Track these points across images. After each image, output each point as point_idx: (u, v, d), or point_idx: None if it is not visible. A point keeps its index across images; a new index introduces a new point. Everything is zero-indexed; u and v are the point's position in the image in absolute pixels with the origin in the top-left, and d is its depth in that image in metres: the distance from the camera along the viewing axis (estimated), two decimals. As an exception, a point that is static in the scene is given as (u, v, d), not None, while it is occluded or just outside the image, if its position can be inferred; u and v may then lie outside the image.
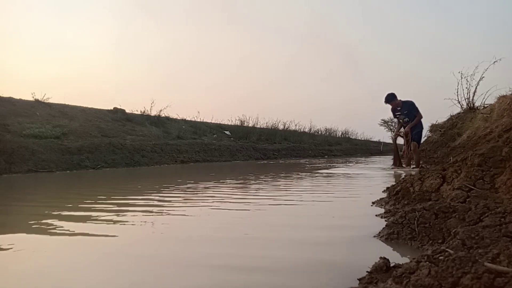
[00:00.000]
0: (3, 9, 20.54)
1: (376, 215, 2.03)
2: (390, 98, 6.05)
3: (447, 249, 1.02)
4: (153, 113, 13.01)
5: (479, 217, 1.36)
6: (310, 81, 45.69)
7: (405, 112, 6.03)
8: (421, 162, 6.13)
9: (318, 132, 22.65)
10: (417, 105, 6.04)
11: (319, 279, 1.11)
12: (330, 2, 51.24)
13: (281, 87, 42.05)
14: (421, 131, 6.14)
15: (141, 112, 12.81)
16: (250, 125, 16.89)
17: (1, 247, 1.56)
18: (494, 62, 7.76)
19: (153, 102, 14.98)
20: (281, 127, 18.61)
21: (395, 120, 6.56)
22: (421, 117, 6.00)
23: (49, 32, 26.24)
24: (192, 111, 31.37)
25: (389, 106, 6.21)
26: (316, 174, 5.50)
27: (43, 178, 5.34)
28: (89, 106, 11.65)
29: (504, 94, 5.90)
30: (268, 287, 1.07)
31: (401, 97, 6.09)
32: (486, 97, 7.76)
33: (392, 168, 6.39)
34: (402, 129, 6.24)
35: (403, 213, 1.63)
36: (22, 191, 3.93)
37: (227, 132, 15.10)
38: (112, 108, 12.05)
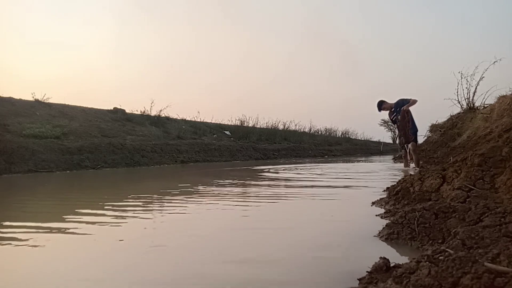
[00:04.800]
0: (3, 9, 20.54)
1: (376, 215, 2.03)
2: (380, 105, 6.25)
3: (447, 249, 1.02)
4: (153, 113, 13.02)
5: (479, 217, 1.36)
6: (310, 81, 45.62)
7: (398, 110, 6.09)
8: (421, 162, 6.13)
9: (318, 132, 22.66)
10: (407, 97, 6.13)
11: (319, 279, 1.11)
12: (329, 1, 51.23)
13: (281, 86, 42.01)
14: (416, 132, 6.15)
15: (141, 112, 12.82)
16: (250, 125, 16.89)
17: (2, 244, 1.56)
18: (494, 62, 7.74)
19: (153, 102, 15.00)
20: (281, 127, 18.63)
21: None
22: (415, 100, 5.96)
23: (49, 32, 26.21)
24: (192, 111, 31.39)
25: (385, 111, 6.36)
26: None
27: (43, 178, 5.34)
28: (89, 106, 11.67)
29: (504, 94, 5.90)
30: (268, 286, 1.07)
31: (398, 96, 6.19)
32: (486, 97, 7.75)
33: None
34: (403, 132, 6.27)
35: (403, 213, 1.63)
36: (22, 191, 3.93)
37: (227, 132, 15.10)
38: (112, 108, 12.05)
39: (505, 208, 1.34)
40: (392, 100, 6.23)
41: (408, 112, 5.92)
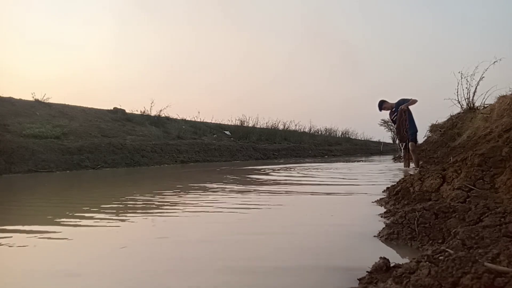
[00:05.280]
0: (3, 9, 20.53)
1: (376, 215, 2.03)
2: (381, 104, 6.29)
3: (447, 249, 1.02)
4: (153, 113, 13.05)
5: (479, 217, 1.36)
6: (310, 81, 45.70)
7: (398, 109, 6.09)
8: (420, 162, 6.13)
9: (318, 132, 22.68)
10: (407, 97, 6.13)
11: (319, 279, 1.11)
12: (329, 1, 51.22)
13: (281, 86, 42.08)
14: (416, 132, 6.14)
15: (141, 112, 12.84)
16: (250, 125, 16.91)
17: (2, 244, 1.56)
18: (494, 62, 7.74)
19: (153, 102, 15.06)
20: (281, 127, 18.66)
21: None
22: (415, 100, 5.99)
23: (49, 32, 26.23)
24: (192, 111, 31.45)
25: (386, 111, 6.36)
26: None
27: (43, 178, 5.34)
28: (89, 106, 11.69)
29: (504, 94, 5.90)
30: (268, 287, 1.07)
31: (399, 96, 6.21)
32: (486, 97, 7.75)
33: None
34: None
35: (403, 213, 1.63)
36: (22, 191, 3.93)
37: (227, 132, 15.11)
38: (112, 108, 12.06)
39: (505, 208, 1.34)
40: (393, 100, 6.25)
41: (406, 111, 5.92)
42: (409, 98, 6.01)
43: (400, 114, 5.96)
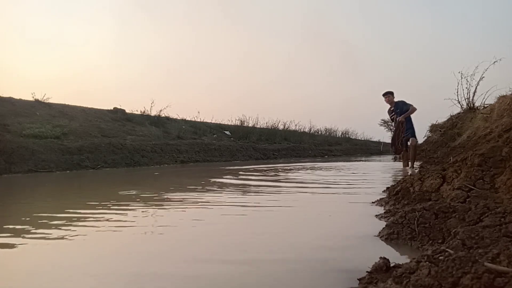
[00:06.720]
0: (4, 9, 20.52)
1: (376, 215, 2.03)
2: (387, 93, 6.33)
3: (447, 249, 1.02)
4: (153, 113, 13.03)
5: (479, 217, 1.36)
6: (310, 81, 45.60)
7: (397, 111, 6.15)
8: (420, 162, 6.13)
9: (318, 132, 22.66)
10: (408, 101, 6.17)
11: (319, 279, 1.11)
12: (329, 1, 51.16)
13: (281, 86, 41.99)
14: (414, 132, 6.15)
15: (141, 112, 12.82)
16: (250, 125, 16.89)
17: (2, 245, 1.56)
18: (494, 62, 7.75)
19: (153, 102, 15.02)
20: (281, 127, 18.63)
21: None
22: (415, 108, 6.03)
23: (49, 32, 26.16)
24: (192, 111, 31.35)
25: (387, 105, 6.38)
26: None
27: (43, 178, 5.34)
28: (89, 106, 11.67)
29: (504, 94, 5.90)
30: (268, 287, 1.07)
31: (399, 97, 6.26)
32: (486, 97, 7.76)
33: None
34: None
35: (403, 213, 1.63)
36: (22, 191, 3.92)
37: (227, 132, 15.11)
38: (112, 108, 12.05)
39: (505, 208, 1.34)
40: (396, 98, 6.29)
41: (404, 123, 5.98)
42: (409, 103, 6.04)
43: (397, 126, 6.01)
